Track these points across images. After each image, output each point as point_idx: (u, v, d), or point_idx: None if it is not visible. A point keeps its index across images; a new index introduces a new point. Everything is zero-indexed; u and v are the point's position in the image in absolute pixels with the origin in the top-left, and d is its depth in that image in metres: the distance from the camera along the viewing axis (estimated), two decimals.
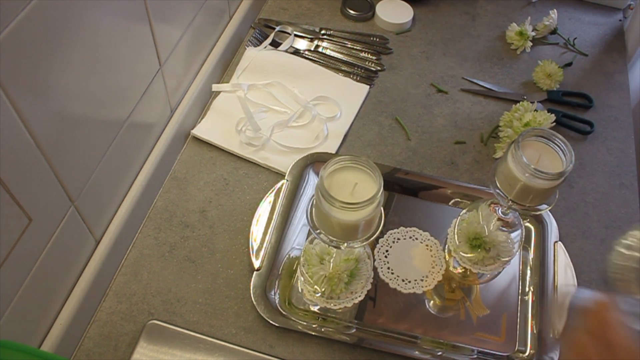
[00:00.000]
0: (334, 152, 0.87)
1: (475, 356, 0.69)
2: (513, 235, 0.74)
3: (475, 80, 0.99)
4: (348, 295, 0.71)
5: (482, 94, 0.98)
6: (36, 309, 0.61)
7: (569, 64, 1.04)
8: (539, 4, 1.14)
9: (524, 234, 0.76)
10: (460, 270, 0.76)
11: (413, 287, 0.73)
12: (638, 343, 0.42)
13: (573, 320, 0.45)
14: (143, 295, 0.71)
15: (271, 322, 0.69)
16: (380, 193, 0.58)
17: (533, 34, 1.05)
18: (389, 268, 0.74)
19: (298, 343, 0.69)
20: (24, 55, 0.47)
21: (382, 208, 0.61)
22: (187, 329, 0.68)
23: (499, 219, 0.73)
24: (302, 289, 0.72)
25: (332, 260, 0.70)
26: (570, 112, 0.96)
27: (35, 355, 0.43)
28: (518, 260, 0.77)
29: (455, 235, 0.74)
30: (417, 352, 0.68)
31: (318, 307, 0.72)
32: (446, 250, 0.77)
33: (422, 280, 0.74)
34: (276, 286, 0.72)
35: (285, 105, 0.91)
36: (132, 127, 0.70)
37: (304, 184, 0.81)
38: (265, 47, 0.98)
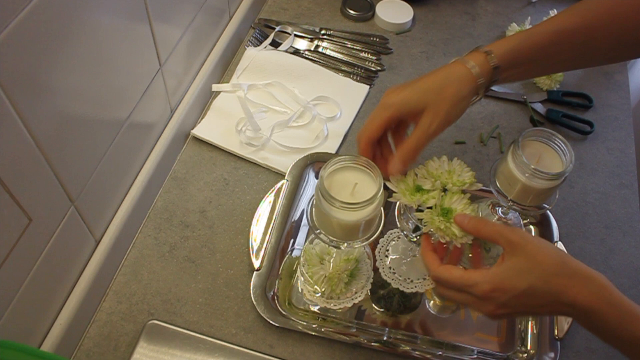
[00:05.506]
0: (334, 152, 0.87)
1: (475, 356, 0.69)
2: None
3: None
4: (348, 295, 0.71)
5: None
6: (36, 309, 0.61)
7: None
8: (539, 4, 1.14)
9: None
10: None
11: (415, 287, 0.73)
12: None
13: None
14: (143, 295, 0.71)
15: (271, 322, 0.69)
16: (380, 193, 0.58)
17: None
18: (390, 268, 0.74)
19: (298, 343, 0.69)
20: (24, 55, 0.47)
21: (382, 208, 0.61)
22: (187, 329, 0.68)
23: (499, 219, 0.73)
24: (302, 289, 0.72)
25: (332, 260, 0.70)
26: (570, 112, 0.96)
27: (35, 355, 0.43)
28: None
29: None
30: (417, 352, 0.68)
31: (318, 307, 0.72)
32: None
33: (424, 279, 0.73)
34: (276, 286, 0.72)
35: (285, 105, 0.91)
36: (132, 127, 0.70)
37: (304, 184, 0.81)
38: (265, 47, 0.98)
